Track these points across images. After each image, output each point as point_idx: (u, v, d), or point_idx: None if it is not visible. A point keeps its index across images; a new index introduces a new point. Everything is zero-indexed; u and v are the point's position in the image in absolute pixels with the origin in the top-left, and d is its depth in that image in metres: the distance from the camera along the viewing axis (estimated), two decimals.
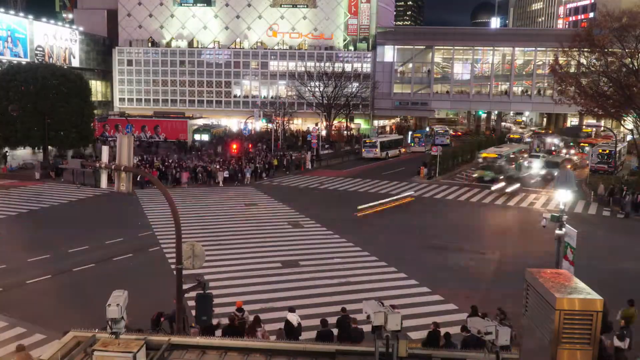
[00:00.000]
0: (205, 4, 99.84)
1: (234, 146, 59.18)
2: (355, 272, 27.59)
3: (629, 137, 70.05)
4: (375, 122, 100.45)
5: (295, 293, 24.64)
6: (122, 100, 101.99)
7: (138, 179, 47.17)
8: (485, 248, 32.87)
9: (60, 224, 37.18)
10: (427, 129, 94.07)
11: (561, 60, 61.86)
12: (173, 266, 19.15)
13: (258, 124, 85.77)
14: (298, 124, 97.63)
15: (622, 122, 58.86)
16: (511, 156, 59.47)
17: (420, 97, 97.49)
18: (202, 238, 30.66)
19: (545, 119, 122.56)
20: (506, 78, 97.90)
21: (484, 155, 59.66)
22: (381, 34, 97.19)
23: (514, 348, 10.58)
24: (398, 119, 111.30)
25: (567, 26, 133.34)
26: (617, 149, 60.36)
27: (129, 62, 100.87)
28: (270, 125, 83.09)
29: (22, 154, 63.51)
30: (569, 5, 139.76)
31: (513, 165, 55.97)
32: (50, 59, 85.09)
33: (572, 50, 57.19)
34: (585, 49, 54.76)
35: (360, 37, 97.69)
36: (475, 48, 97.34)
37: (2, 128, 54.89)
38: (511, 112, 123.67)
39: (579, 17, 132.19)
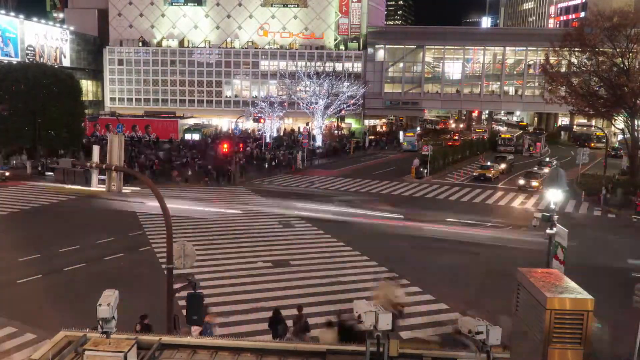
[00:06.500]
0: (196, 4, 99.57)
1: (225, 145, 59.01)
2: (346, 272, 27.57)
3: (619, 137, 70.39)
4: (366, 122, 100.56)
5: (286, 293, 24.62)
6: (113, 99, 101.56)
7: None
8: (479, 247, 32.97)
9: (51, 223, 36.99)
10: (418, 129, 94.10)
11: (552, 59, 61.99)
12: (164, 265, 19.09)
13: (249, 124, 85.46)
14: (289, 123, 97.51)
15: (612, 121, 59.11)
16: None
17: (411, 97, 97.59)
18: (193, 238, 30.56)
19: (536, 119, 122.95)
20: (497, 78, 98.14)
21: None
22: (372, 34, 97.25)
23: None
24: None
25: (558, 26, 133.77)
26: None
27: (120, 62, 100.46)
28: (259, 125, 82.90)
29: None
30: (560, 5, 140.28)
31: None
32: (41, 59, 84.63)
33: (563, 50, 57.35)
34: (576, 49, 54.92)
35: (351, 37, 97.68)
36: (466, 48, 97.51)
37: None
38: (502, 112, 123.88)
39: (570, 16, 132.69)
